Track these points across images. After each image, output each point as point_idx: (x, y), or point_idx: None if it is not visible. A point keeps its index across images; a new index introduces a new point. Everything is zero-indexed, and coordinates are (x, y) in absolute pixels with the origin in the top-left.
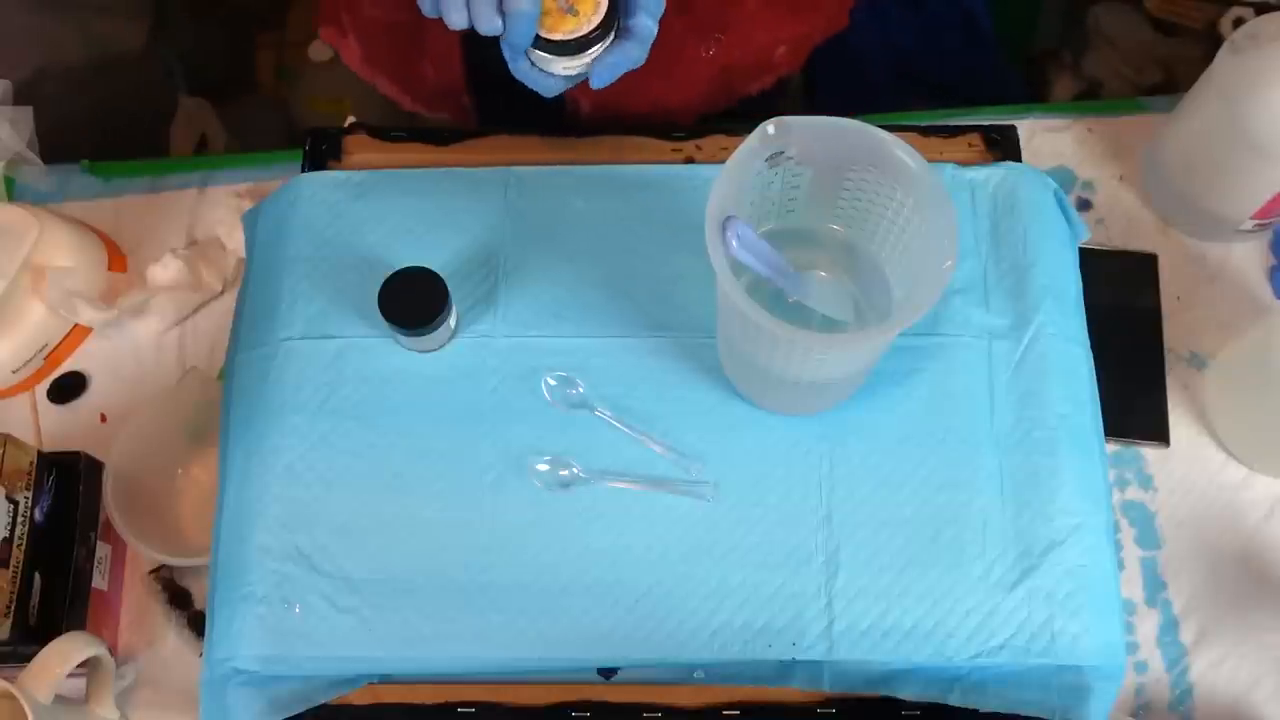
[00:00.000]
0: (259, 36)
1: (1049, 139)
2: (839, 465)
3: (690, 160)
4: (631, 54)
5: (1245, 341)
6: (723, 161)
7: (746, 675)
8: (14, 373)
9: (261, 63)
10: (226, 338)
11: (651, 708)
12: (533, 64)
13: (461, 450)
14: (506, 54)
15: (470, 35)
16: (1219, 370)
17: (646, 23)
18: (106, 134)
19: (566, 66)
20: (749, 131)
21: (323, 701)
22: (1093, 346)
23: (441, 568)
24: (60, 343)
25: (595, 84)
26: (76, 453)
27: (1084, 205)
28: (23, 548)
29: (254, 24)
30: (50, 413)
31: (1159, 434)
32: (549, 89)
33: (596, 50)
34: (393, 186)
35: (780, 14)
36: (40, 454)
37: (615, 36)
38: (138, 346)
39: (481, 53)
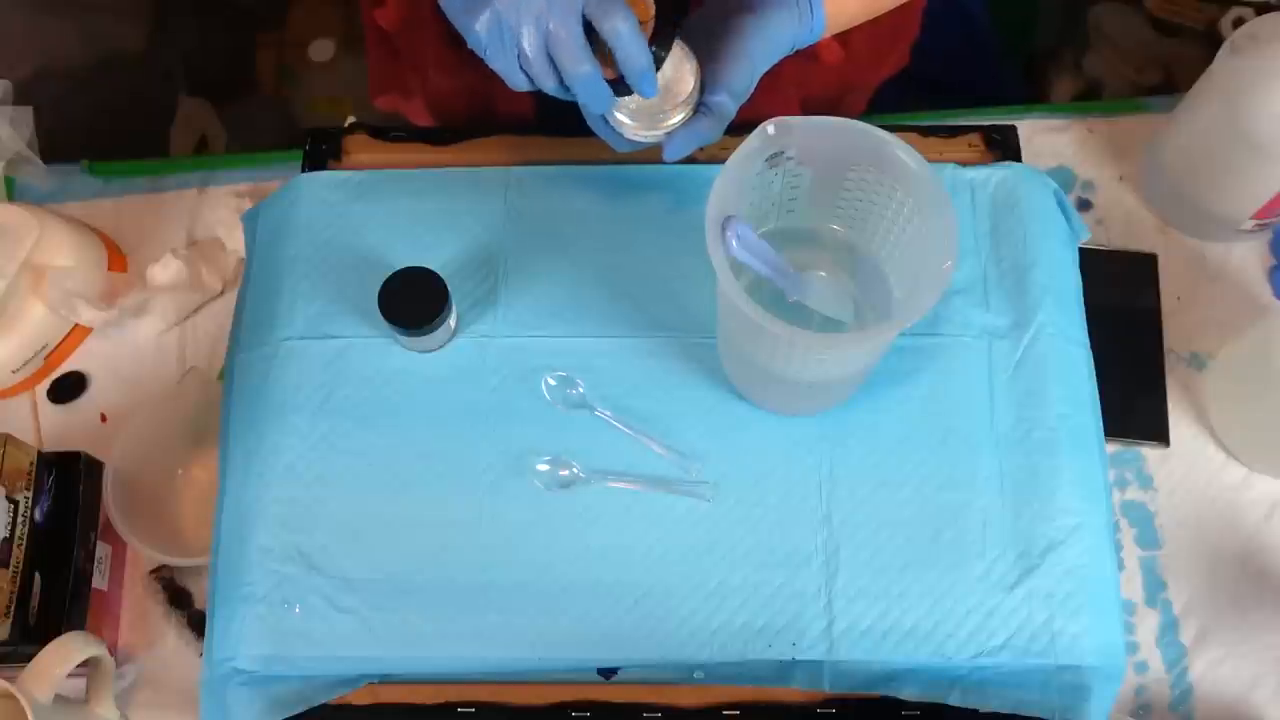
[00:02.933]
0: (259, 36)
1: (1049, 139)
2: (839, 465)
3: (690, 160)
4: (708, 132)
5: (1245, 341)
6: (723, 161)
7: (746, 675)
8: (14, 373)
9: (261, 63)
10: (226, 338)
11: (651, 708)
12: (608, 123)
13: (461, 450)
14: (584, 110)
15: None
16: (1219, 370)
17: (727, 103)
18: (106, 134)
19: (640, 135)
20: (749, 131)
21: (323, 701)
22: (1093, 346)
23: (441, 568)
24: (60, 343)
25: (669, 156)
26: (76, 453)
27: (1084, 205)
28: (23, 548)
29: (254, 24)
30: (50, 413)
31: (1159, 434)
32: (620, 147)
33: (675, 122)
34: (393, 186)
35: (859, 65)
36: (40, 454)
37: (694, 111)
38: (138, 346)
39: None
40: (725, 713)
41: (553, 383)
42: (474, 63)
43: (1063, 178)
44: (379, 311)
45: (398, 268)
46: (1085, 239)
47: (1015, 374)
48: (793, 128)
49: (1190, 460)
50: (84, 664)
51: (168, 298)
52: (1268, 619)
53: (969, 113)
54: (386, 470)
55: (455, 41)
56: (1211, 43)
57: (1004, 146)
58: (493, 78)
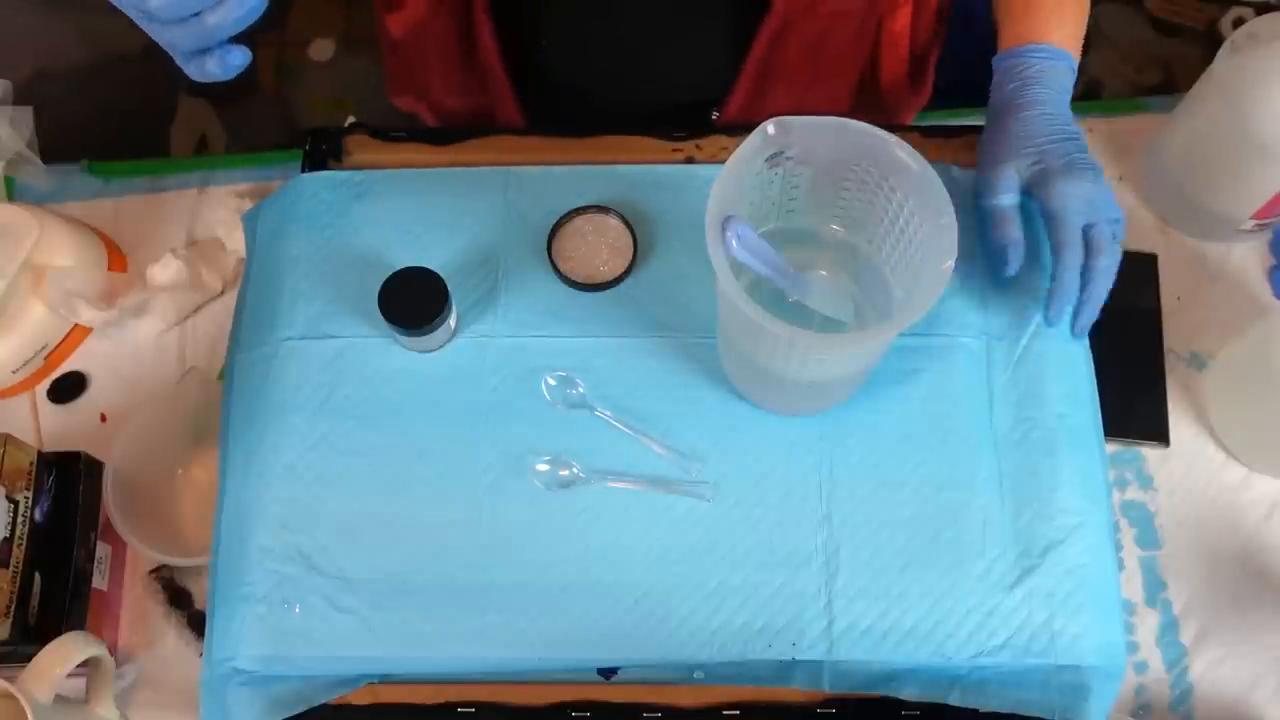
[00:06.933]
0: (259, 36)
1: None
2: (839, 465)
3: (690, 160)
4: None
5: (1245, 341)
6: (723, 161)
7: (746, 675)
8: (14, 373)
9: (261, 63)
10: (226, 338)
11: (651, 708)
12: None
13: (461, 450)
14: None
15: (525, 98)
16: (1219, 370)
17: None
18: (106, 134)
19: None
20: (749, 131)
21: (323, 701)
22: (1093, 346)
23: (441, 568)
24: (60, 343)
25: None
26: (76, 453)
27: None
28: (23, 548)
29: (254, 24)
30: (50, 413)
31: (1159, 434)
32: None
33: None
34: (393, 186)
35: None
36: (40, 454)
37: None
38: (138, 346)
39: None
40: (725, 713)
41: (553, 383)
42: (477, 84)
43: None
44: (379, 311)
45: (398, 268)
46: None
47: (1014, 374)
48: (792, 128)
49: (1190, 460)
50: (84, 664)
51: (168, 298)
52: (1268, 619)
53: (969, 113)
54: (386, 470)
55: (459, 62)
56: (1211, 43)
57: None
58: (494, 99)
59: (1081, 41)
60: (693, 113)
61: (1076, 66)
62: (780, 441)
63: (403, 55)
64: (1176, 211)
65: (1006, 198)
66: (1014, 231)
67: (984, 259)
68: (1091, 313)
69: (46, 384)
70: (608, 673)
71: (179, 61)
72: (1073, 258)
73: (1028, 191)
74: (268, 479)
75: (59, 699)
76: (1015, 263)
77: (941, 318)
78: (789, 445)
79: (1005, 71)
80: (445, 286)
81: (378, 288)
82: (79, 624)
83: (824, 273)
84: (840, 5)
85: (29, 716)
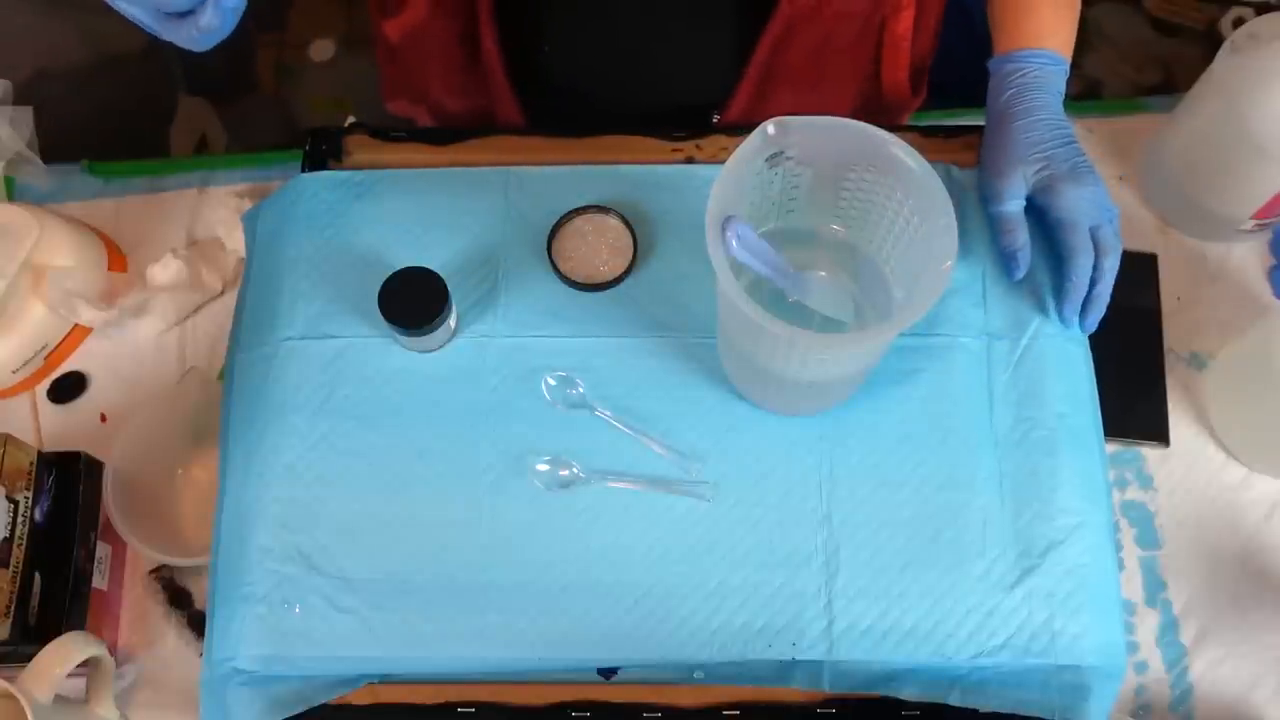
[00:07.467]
0: (259, 36)
1: None
2: (839, 465)
3: (690, 160)
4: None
5: (1245, 341)
6: (723, 161)
7: (746, 675)
8: (14, 373)
9: (261, 63)
10: (226, 338)
11: (651, 708)
12: None
13: (461, 450)
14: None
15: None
16: (1219, 370)
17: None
18: (106, 134)
19: None
20: (749, 132)
21: (323, 701)
22: (1093, 346)
23: (441, 568)
24: (60, 343)
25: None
26: (76, 453)
27: None
28: (23, 548)
29: (254, 24)
30: (50, 413)
31: (1159, 434)
32: None
33: None
34: (393, 186)
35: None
36: (40, 454)
37: None
38: (138, 346)
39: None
40: (725, 713)
41: (553, 383)
42: (477, 86)
43: None
44: (379, 311)
45: (398, 268)
46: None
47: (1014, 374)
48: (792, 128)
49: (1190, 460)
50: (84, 664)
51: (168, 298)
52: (1268, 619)
53: (969, 113)
54: (386, 470)
55: (460, 64)
56: (1211, 43)
57: None
58: (494, 101)
59: (1074, 42)
60: (694, 116)
61: (1069, 68)
62: (780, 441)
63: (401, 60)
64: (1176, 211)
65: (1014, 204)
66: (1022, 236)
67: (991, 259)
68: (1100, 309)
69: (46, 384)
70: (608, 673)
71: (174, 36)
72: (1085, 261)
73: (1032, 196)
74: (268, 479)
75: (59, 699)
76: (1024, 266)
77: (941, 318)
78: (789, 445)
79: (1004, 76)
80: (445, 286)
81: (378, 288)
82: (79, 624)
83: (824, 273)
84: (846, 6)
85: (29, 716)
